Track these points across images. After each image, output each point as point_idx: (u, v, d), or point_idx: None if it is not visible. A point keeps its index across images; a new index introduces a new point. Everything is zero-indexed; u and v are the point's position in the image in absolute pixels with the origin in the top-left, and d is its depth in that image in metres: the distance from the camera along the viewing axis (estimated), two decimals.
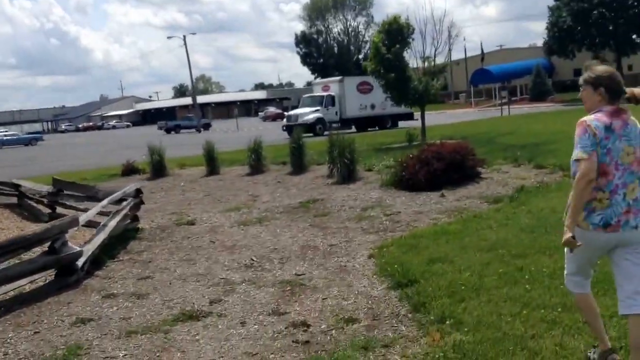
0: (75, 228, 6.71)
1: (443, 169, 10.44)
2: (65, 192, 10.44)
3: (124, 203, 8.44)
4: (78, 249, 6.30)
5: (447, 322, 4.46)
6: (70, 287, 6.20)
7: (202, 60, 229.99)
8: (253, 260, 6.89)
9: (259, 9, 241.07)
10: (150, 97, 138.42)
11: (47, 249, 6.12)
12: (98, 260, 7.08)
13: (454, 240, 6.82)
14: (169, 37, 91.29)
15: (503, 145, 16.77)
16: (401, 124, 34.33)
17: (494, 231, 7.08)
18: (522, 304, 4.62)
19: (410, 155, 11.10)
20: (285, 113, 42.02)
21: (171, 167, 17.05)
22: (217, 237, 8.28)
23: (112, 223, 7.60)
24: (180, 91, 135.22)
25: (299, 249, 7.20)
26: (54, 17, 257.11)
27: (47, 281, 6.36)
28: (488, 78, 62.96)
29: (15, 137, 60.37)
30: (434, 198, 9.67)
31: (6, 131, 71.82)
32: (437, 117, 39.77)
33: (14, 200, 12.73)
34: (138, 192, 8.91)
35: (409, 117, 34.09)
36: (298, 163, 14.07)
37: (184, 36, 68.31)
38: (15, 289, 5.97)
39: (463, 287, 5.12)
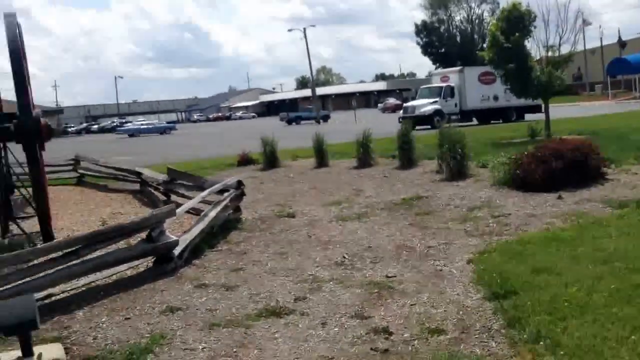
0: (173, 218, 6.89)
1: (562, 168, 9.64)
2: (178, 181, 10.85)
3: (225, 194, 8.59)
4: (174, 238, 6.46)
5: (543, 342, 4.02)
6: (167, 275, 6.37)
7: (325, 51, 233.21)
8: (345, 257, 6.71)
9: None
10: (273, 88, 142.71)
11: (145, 237, 6.32)
12: (198, 249, 7.24)
13: (565, 248, 6.22)
14: (289, 30, 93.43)
15: (636, 142, 15.30)
16: (528, 116, 32.53)
17: (612, 240, 6.38)
18: (633, 328, 4.07)
19: (526, 152, 10.37)
20: (404, 104, 41.40)
21: (284, 158, 17.31)
22: (314, 231, 8.19)
23: (212, 213, 7.74)
24: (302, 83, 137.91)
25: (394, 249, 6.92)
26: (187, 12, 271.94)
27: (147, 267, 6.58)
28: (627, 68, 58.07)
29: (151, 126, 64.69)
30: (550, 200, 8.95)
31: (143, 120, 77.48)
32: (568, 110, 37.35)
33: (137, 187, 13.46)
34: (239, 184, 9.03)
35: (537, 109, 32.19)
36: (406, 157, 13.69)
37: (304, 29, 69.07)
38: (116, 273, 6.22)
39: (567, 304, 4.61)
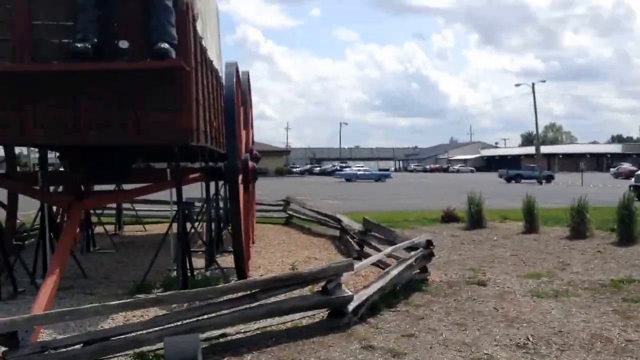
0: (351, 272, 6.89)
1: None
2: (372, 232, 10.94)
3: (412, 253, 8.41)
4: (350, 293, 6.45)
5: None
6: (338, 330, 6.34)
7: (556, 108, 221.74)
8: (529, 340, 6.07)
9: (624, 54, 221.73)
10: (496, 143, 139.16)
11: (321, 288, 6.41)
12: (375, 307, 7.14)
13: None
14: (516, 85, 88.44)
15: None
16: None
17: None
18: None
19: None
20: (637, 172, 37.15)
21: (492, 219, 16.61)
22: (502, 304, 7.59)
23: (394, 272, 7.61)
24: (527, 139, 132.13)
25: (588, 337, 6.09)
26: (416, 63, 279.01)
27: (322, 319, 6.64)
28: None
29: (367, 173, 67.14)
30: None
31: (361, 166, 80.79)
32: None
33: (338, 233, 13.87)
34: (429, 243, 8.78)
35: None
36: (627, 232, 12.16)
37: (532, 84, 66.19)
38: (290, 321, 6.39)
39: None
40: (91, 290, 8.34)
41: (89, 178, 8.69)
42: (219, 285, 6.03)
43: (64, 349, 4.92)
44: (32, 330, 5.11)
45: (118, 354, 5.17)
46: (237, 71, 9.41)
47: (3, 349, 4.83)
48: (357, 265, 7.15)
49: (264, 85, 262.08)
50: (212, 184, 10.64)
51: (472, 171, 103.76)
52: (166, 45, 6.96)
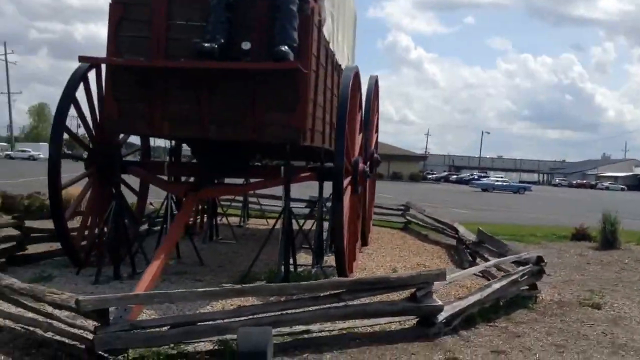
0: (444, 282, 6.71)
1: None
2: (486, 244, 10.57)
3: (519, 268, 8.01)
4: (439, 303, 6.29)
5: None
6: (426, 338, 6.21)
7: None
8: None
9: None
10: None
11: (409, 295, 6.33)
12: (471, 319, 6.91)
13: None
14: None
15: None
16: None
17: None
18: None
19: None
20: None
21: (629, 240, 15.36)
22: (614, 330, 7.02)
23: (496, 286, 7.30)
24: None
25: None
26: (572, 74, 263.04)
27: (412, 326, 6.54)
28: None
29: (505, 184, 64.61)
30: None
31: (501, 177, 77.89)
32: None
33: (454, 242, 13.52)
34: (539, 259, 8.30)
35: None
36: None
37: None
38: (378, 324, 6.37)
39: None
40: (201, 277, 8.82)
41: (207, 170, 9.21)
42: (302, 282, 6.14)
43: (151, 329, 5.25)
44: (130, 309, 5.49)
45: (202, 339, 5.44)
46: (357, 76, 9.51)
47: (97, 324, 5.19)
48: (453, 275, 6.97)
49: (409, 91, 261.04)
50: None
51: (622, 189, 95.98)
52: (285, 48, 7.24)
